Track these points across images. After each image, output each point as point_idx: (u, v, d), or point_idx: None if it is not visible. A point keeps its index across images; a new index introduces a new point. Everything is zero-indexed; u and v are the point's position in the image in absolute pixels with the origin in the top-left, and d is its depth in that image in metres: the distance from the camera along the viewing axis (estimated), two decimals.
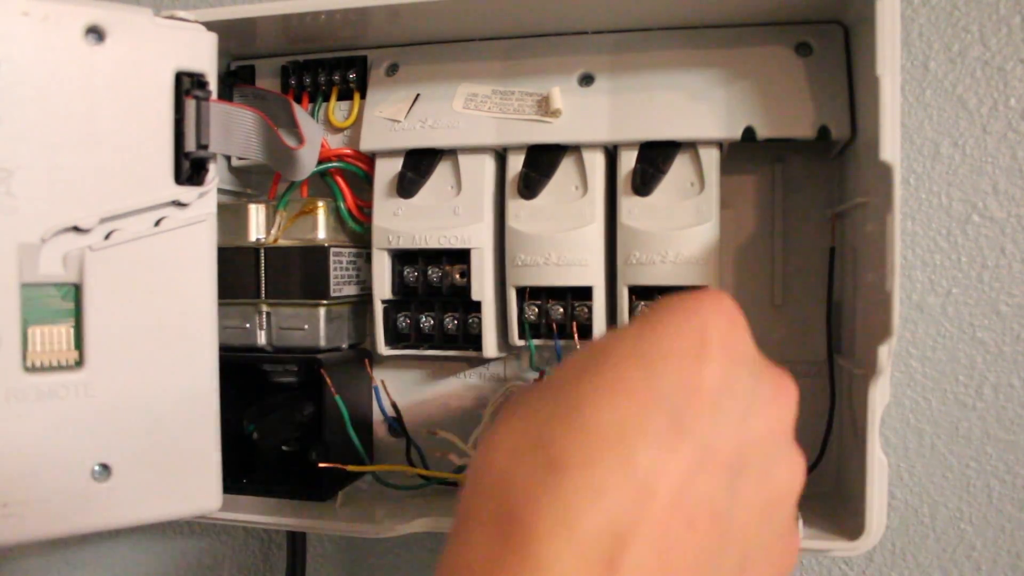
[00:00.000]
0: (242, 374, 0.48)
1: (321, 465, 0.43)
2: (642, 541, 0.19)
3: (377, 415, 0.49)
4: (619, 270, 0.43)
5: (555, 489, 0.20)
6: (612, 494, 0.20)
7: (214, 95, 0.40)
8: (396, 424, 0.46)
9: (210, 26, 0.40)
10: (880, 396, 0.37)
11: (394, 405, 0.48)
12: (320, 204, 0.47)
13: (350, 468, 0.44)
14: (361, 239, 0.49)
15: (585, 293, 0.44)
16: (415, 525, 0.43)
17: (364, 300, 0.49)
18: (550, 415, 0.21)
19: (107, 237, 0.37)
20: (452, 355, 0.47)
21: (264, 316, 0.46)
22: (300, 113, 0.45)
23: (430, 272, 0.46)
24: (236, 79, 0.50)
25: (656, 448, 0.21)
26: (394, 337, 0.47)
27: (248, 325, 0.47)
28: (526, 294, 0.45)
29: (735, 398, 0.23)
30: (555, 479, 0.20)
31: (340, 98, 0.49)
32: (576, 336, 0.43)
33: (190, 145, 0.39)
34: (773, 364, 0.26)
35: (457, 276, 0.46)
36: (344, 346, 0.48)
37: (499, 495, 0.21)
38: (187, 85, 0.39)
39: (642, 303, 0.43)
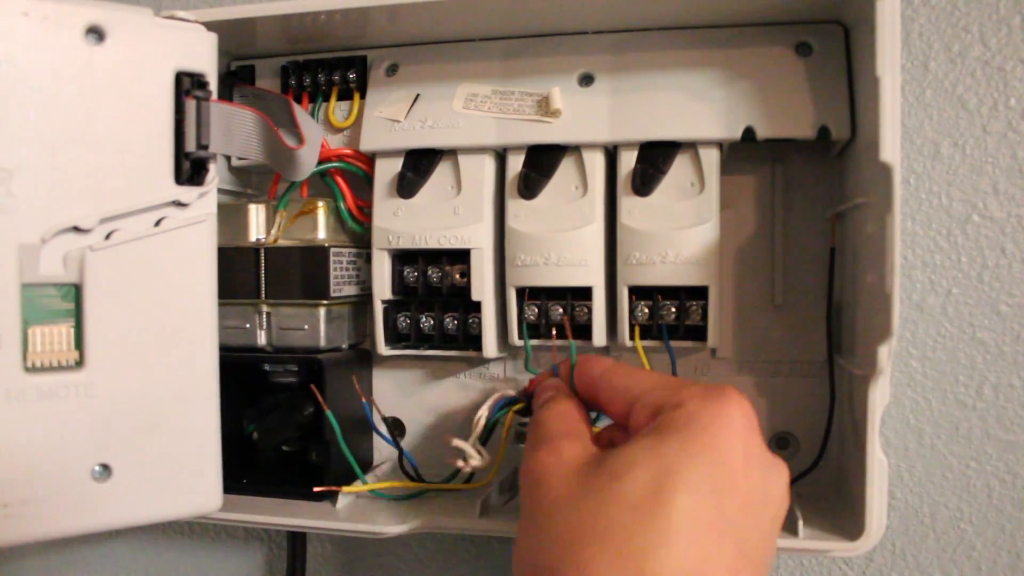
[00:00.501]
0: (242, 374, 0.48)
1: (316, 489, 0.43)
2: None
3: (376, 421, 0.49)
4: (619, 270, 0.43)
5: None
6: None
7: (214, 95, 0.40)
8: (390, 440, 0.46)
9: (210, 26, 0.40)
10: (880, 396, 0.37)
11: (385, 420, 0.47)
12: (320, 204, 0.47)
13: (345, 490, 0.44)
14: (361, 239, 0.49)
15: (585, 293, 0.44)
16: (414, 525, 0.43)
17: (364, 300, 0.49)
18: (646, 546, 0.26)
19: (107, 237, 0.37)
20: (452, 355, 0.47)
21: (264, 316, 0.47)
22: (300, 113, 0.45)
23: (430, 272, 0.46)
24: (236, 79, 0.50)
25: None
26: (394, 337, 0.47)
27: (248, 325, 0.47)
28: (525, 294, 0.45)
29: (767, 506, 0.30)
30: None
31: (340, 98, 0.49)
32: (569, 335, 0.43)
33: (190, 145, 0.39)
34: (776, 458, 0.32)
35: (457, 276, 0.46)
36: (344, 346, 0.48)
37: None
38: (187, 85, 0.39)
39: (639, 303, 0.43)
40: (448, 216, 0.45)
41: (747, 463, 0.29)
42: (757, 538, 0.29)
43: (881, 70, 0.36)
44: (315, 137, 0.45)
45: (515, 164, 0.45)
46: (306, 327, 0.46)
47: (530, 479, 0.31)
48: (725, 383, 0.32)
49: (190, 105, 0.39)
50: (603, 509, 0.28)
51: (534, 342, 0.45)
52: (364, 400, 0.46)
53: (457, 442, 0.41)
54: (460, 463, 0.41)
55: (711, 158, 0.43)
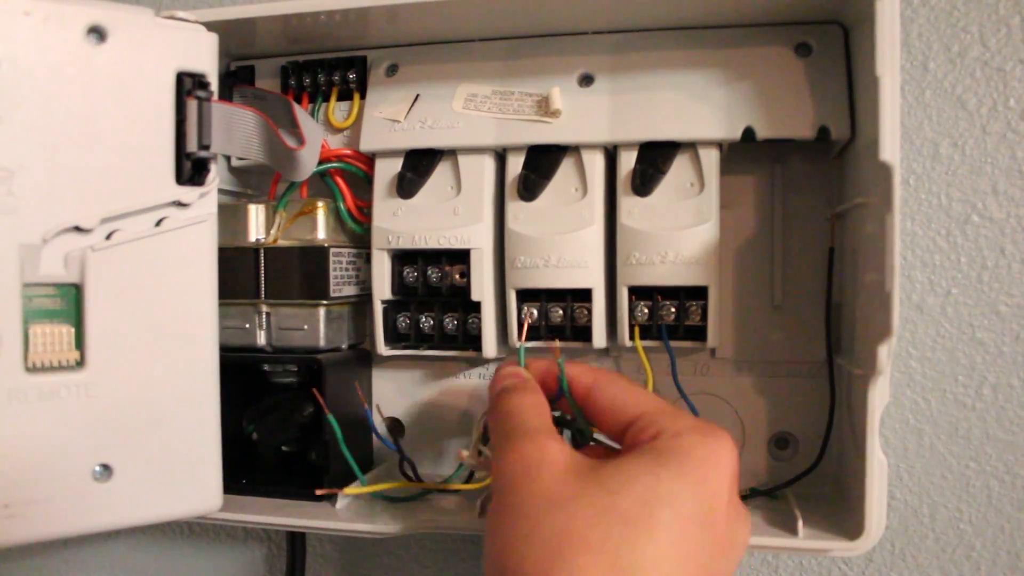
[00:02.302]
0: (242, 374, 0.48)
1: (318, 492, 0.43)
2: None
3: (377, 424, 0.49)
4: (619, 270, 0.43)
5: None
6: None
7: (215, 95, 0.40)
8: (390, 443, 0.46)
9: (210, 26, 0.40)
10: (880, 396, 0.37)
11: (386, 422, 0.47)
12: (320, 204, 0.47)
13: (346, 492, 0.44)
14: (361, 239, 0.49)
15: (585, 295, 0.44)
16: (414, 525, 0.43)
17: (364, 300, 0.49)
18: (635, 560, 0.27)
19: (108, 237, 0.37)
20: (452, 355, 0.47)
21: (264, 316, 0.47)
22: (300, 113, 0.45)
23: (430, 272, 0.46)
24: (236, 79, 0.50)
25: None
26: (394, 337, 0.47)
27: (248, 325, 0.47)
28: (527, 315, 0.45)
29: (735, 546, 0.32)
30: None
31: (340, 98, 0.49)
32: (557, 353, 0.43)
33: (191, 145, 0.39)
34: (743, 505, 0.34)
35: (457, 276, 0.46)
36: (344, 346, 0.48)
37: None
38: (188, 85, 0.39)
39: (639, 303, 0.43)
40: (448, 216, 0.45)
41: (727, 506, 0.31)
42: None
43: (881, 70, 0.36)
44: (315, 137, 0.45)
45: (515, 165, 0.45)
46: (306, 327, 0.46)
47: (514, 472, 0.31)
48: (716, 426, 0.33)
49: (191, 105, 0.39)
50: (599, 519, 0.28)
51: (535, 344, 0.45)
52: (366, 407, 0.46)
53: (464, 453, 0.41)
54: (462, 452, 0.41)
55: (711, 158, 0.43)
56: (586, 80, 0.44)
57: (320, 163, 0.46)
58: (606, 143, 0.44)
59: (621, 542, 0.27)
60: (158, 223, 0.39)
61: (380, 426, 0.47)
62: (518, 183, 0.45)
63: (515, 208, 0.45)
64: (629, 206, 0.43)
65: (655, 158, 0.43)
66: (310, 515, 0.44)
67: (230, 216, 0.47)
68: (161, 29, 0.39)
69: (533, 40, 0.46)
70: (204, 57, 0.40)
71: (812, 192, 0.45)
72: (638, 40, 0.44)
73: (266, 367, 0.49)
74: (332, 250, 0.46)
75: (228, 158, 0.50)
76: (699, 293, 0.42)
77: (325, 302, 0.46)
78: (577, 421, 0.38)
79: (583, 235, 0.44)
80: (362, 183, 0.48)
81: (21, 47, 0.35)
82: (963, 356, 0.46)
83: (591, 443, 0.38)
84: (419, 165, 0.46)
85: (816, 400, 0.45)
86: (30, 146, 0.35)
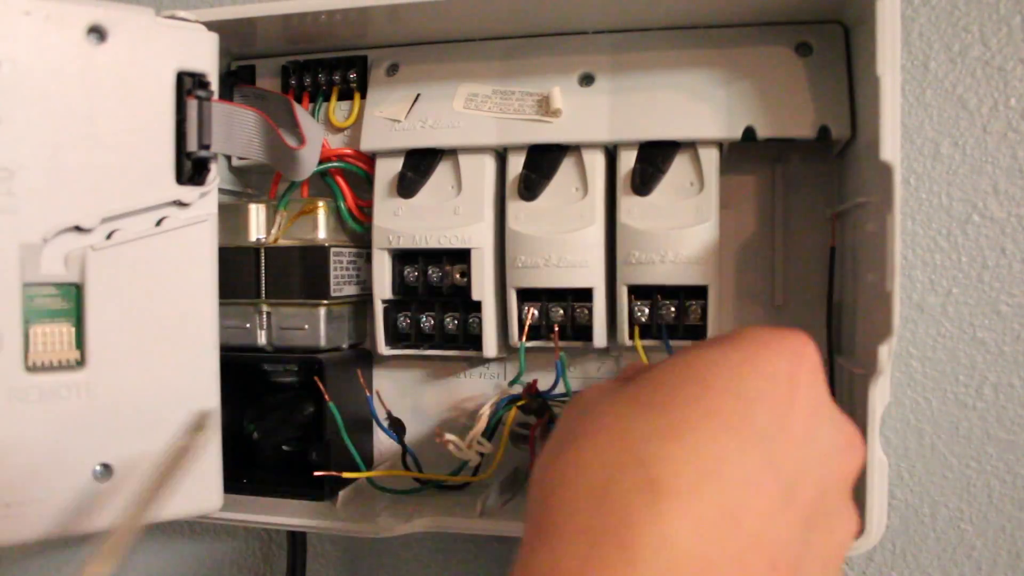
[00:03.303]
0: (242, 374, 0.48)
1: (316, 474, 0.43)
2: (727, 571, 0.20)
3: (379, 413, 0.49)
4: (619, 270, 0.43)
5: (655, 513, 0.20)
6: (707, 526, 0.20)
7: (216, 95, 0.40)
8: (392, 434, 0.46)
9: (211, 26, 0.40)
10: (880, 396, 0.37)
11: (389, 415, 0.47)
12: (320, 204, 0.47)
13: (345, 475, 0.44)
14: (361, 239, 0.49)
15: (585, 294, 0.44)
16: (415, 525, 0.43)
17: (364, 300, 0.49)
18: (649, 434, 0.22)
19: (108, 237, 0.37)
20: (452, 355, 0.47)
21: (264, 316, 0.47)
22: (301, 113, 0.45)
23: (430, 272, 0.46)
24: (236, 79, 0.50)
25: (749, 485, 0.22)
26: (394, 337, 0.47)
27: (248, 325, 0.47)
28: (528, 314, 0.44)
29: (817, 445, 0.25)
30: (656, 503, 0.21)
31: (340, 98, 0.49)
32: (557, 352, 0.43)
33: (192, 145, 0.39)
34: (846, 416, 0.27)
35: (457, 276, 0.46)
36: (344, 346, 0.48)
37: (596, 509, 0.21)
38: (189, 85, 0.39)
39: (639, 303, 0.43)
40: (448, 216, 0.45)
41: (813, 399, 0.25)
42: (806, 485, 0.24)
43: (881, 70, 0.36)
44: (316, 137, 0.45)
45: (515, 165, 0.45)
46: (306, 327, 0.46)
47: (579, 406, 0.27)
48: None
49: (191, 105, 0.39)
50: (648, 386, 0.25)
51: (536, 343, 0.45)
52: (368, 393, 0.46)
53: (449, 436, 0.42)
54: (452, 448, 0.42)
55: (710, 158, 0.43)
56: (586, 80, 0.44)
57: (321, 162, 0.46)
58: (606, 142, 0.44)
59: (627, 422, 0.23)
60: (158, 223, 0.39)
61: (381, 411, 0.47)
62: (519, 183, 0.45)
63: (516, 208, 0.45)
64: (629, 205, 0.43)
65: (655, 157, 0.43)
66: (310, 515, 0.44)
67: (231, 216, 0.47)
68: (161, 29, 0.39)
69: (533, 40, 0.46)
70: (204, 57, 0.40)
71: (812, 192, 0.45)
72: (638, 40, 0.44)
73: (266, 367, 0.49)
74: (333, 250, 0.46)
75: (228, 158, 0.50)
76: (699, 293, 0.42)
77: (326, 302, 0.46)
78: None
79: (583, 235, 0.44)
80: (363, 183, 0.48)
81: (22, 47, 0.35)
82: (964, 356, 0.46)
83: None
84: (420, 165, 0.46)
85: None
86: (30, 146, 0.36)
